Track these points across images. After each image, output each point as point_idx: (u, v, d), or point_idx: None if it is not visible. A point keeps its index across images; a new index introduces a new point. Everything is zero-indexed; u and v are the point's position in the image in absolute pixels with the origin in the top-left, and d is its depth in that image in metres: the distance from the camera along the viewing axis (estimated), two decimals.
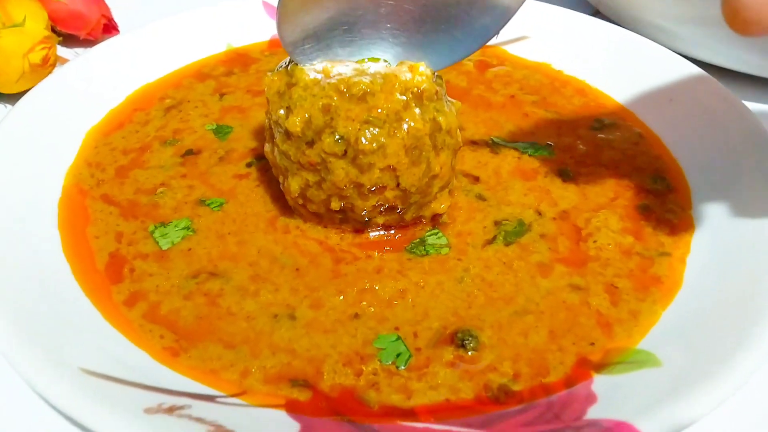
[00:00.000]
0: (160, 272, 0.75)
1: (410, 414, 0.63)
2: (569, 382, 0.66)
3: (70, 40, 1.16)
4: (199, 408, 0.61)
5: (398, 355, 0.67)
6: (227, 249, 0.77)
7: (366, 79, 0.69)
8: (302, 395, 0.64)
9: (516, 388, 0.65)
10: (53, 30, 1.10)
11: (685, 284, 0.75)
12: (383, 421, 0.62)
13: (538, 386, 0.65)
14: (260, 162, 0.88)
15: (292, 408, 0.63)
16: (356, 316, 0.71)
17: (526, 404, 0.64)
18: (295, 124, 0.70)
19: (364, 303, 0.72)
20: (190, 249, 0.77)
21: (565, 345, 0.69)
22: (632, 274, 0.76)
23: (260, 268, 0.75)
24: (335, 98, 0.70)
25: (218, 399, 0.63)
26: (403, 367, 0.66)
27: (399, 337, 0.69)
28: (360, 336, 0.69)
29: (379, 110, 0.69)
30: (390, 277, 0.75)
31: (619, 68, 1.05)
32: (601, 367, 0.67)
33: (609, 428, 0.58)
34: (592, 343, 0.69)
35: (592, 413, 0.61)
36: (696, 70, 0.98)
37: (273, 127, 0.75)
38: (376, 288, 0.74)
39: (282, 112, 0.72)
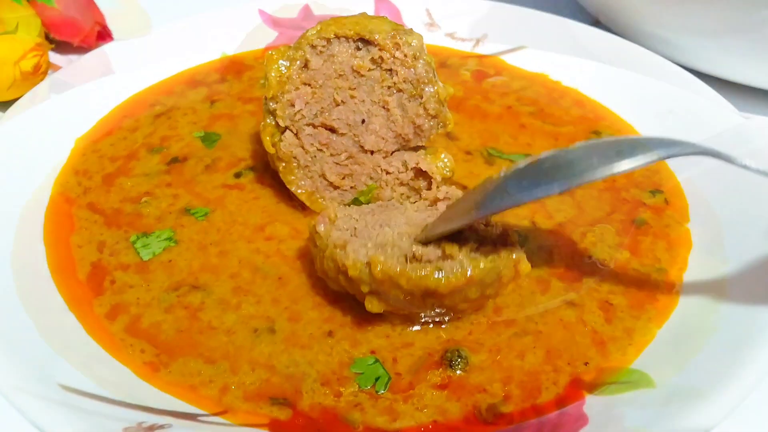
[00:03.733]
0: (141, 284, 0.73)
1: None
2: (561, 402, 0.64)
3: (63, 47, 1.15)
4: (180, 427, 0.59)
5: (377, 379, 0.65)
6: (208, 260, 0.76)
7: (441, 275, 0.61)
8: (282, 414, 0.62)
9: (506, 409, 0.63)
10: (47, 37, 1.09)
11: (680, 302, 0.72)
12: None
13: (529, 407, 0.63)
14: (250, 173, 0.88)
15: (275, 428, 0.61)
16: (330, 333, 0.69)
17: (516, 425, 0.62)
18: (355, 268, 0.63)
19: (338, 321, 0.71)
20: (170, 260, 0.76)
21: (561, 365, 0.67)
22: (627, 290, 0.74)
23: (242, 280, 0.74)
24: (403, 282, 0.62)
25: (200, 417, 0.62)
26: (383, 391, 0.64)
27: (377, 360, 0.67)
28: (335, 355, 0.67)
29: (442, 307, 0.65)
30: None
31: (618, 79, 1.03)
32: (593, 387, 0.65)
33: None
34: (587, 363, 0.67)
35: None
36: (695, 81, 0.96)
37: (314, 239, 0.68)
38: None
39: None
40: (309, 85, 0.78)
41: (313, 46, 0.77)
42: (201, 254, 0.77)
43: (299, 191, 0.82)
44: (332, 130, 0.80)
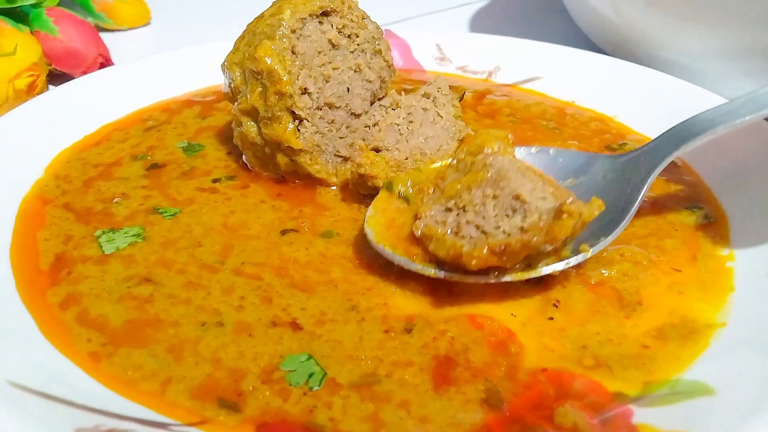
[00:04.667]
0: (97, 275, 0.71)
1: None
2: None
3: (65, 79, 1.13)
4: None
5: (311, 376, 0.59)
6: (165, 256, 0.73)
7: None
8: (230, 419, 0.56)
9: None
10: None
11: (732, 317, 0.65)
12: None
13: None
14: (229, 180, 0.86)
15: None
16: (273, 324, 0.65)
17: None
18: None
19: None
20: (130, 255, 0.73)
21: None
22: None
23: (193, 275, 0.71)
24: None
25: (170, 427, 0.56)
26: (317, 388, 0.58)
27: (310, 356, 0.61)
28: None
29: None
30: None
31: (639, 102, 0.99)
32: (640, 400, 0.57)
33: None
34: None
35: None
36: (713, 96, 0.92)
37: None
38: None
39: None
40: (304, 68, 0.79)
41: (294, 31, 0.78)
42: (161, 250, 0.74)
43: (333, 179, 0.83)
44: (330, 106, 0.82)
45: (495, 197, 0.64)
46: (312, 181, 0.83)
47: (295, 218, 0.78)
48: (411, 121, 0.82)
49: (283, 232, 0.76)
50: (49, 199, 0.82)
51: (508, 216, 0.62)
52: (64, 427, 0.51)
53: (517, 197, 0.62)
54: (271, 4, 0.83)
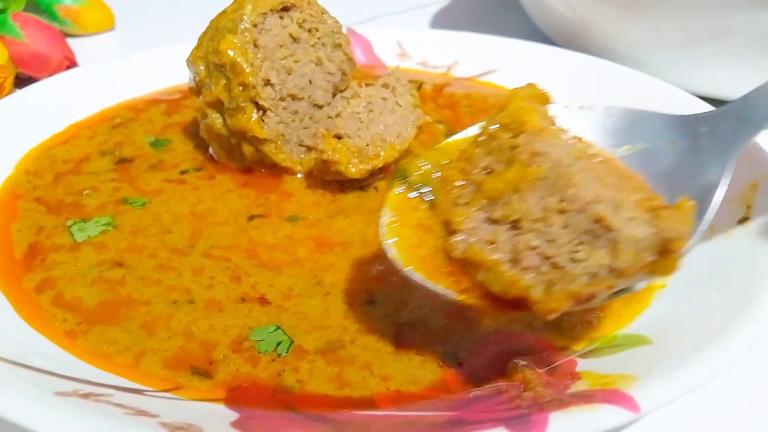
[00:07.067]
0: (70, 261, 0.73)
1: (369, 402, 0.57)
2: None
3: (31, 83, 1.14)
4: (121, 396, 0.57)
5: (278, 344, 0.63)
6: (135, 242, 0.76)
7: None
8: (203, 384, 0.59)
9: None
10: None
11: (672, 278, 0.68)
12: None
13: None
14: (197, 172, 0.89)
15: (231, 401, 0.58)
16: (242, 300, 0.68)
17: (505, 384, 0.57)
18: None
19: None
20: (102, 242, 0.76)
21: None
22: None
23: (164, 258, 0.74)
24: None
25: (146, 393, 0.58)
26: (285, 354, 0.62)
27: (278, 327, 0.65)
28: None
29: None
30: None
31: (592, 94, 1.02)
32: (585, 354, 0.61)
33: (595, 395, 0.51)
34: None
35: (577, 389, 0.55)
36: (673, 90, 0.95)
37: None
38: None
39: None
40: (266, 60, 0.83)
41: (255, 25, 0.82)
42: (131, 237, 0.77)
43: (298, 167, 0.87)
44: (293, 97, 0.86)
45: (562, 212, 0.49)
46: (278, 170, 0.86)
47: (261, 205, 0.82)
48: (371, 110, 0.86)
49: (251, 218, 0.79)
50: (21, 194, 0.84)
51: (585, 243, 0.48)
52: (43, 392, 0.53)
53: (598, 220, 0.47)
54: (232, 2, 0.86)
